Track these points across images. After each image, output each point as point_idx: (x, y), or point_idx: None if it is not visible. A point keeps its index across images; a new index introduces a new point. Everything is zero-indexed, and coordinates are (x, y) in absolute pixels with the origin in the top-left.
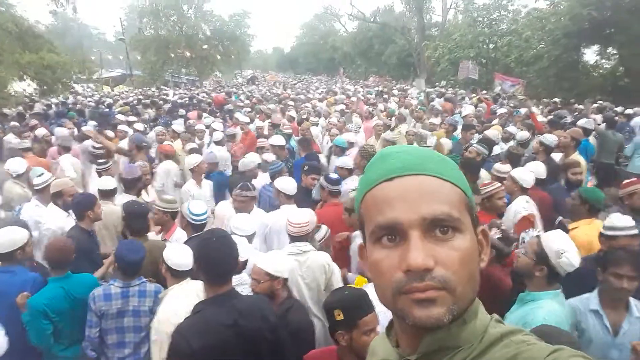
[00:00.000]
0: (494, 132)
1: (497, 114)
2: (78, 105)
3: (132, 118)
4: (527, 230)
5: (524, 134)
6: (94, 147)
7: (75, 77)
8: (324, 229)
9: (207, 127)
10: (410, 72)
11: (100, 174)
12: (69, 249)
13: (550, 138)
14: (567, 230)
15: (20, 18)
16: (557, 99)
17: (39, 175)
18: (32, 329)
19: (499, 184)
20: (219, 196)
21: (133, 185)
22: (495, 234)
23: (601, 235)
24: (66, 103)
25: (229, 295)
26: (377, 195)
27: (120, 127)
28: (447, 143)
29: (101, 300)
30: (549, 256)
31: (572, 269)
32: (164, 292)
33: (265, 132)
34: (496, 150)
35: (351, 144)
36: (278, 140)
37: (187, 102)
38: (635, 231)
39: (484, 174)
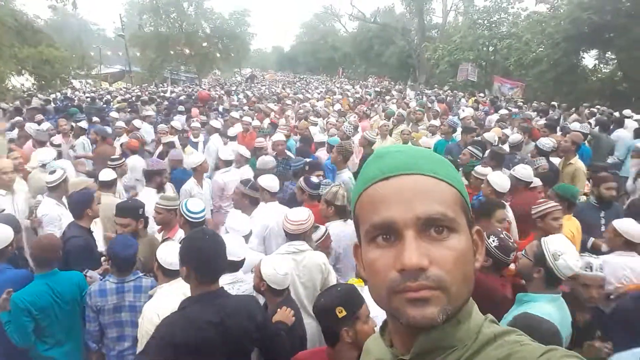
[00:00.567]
0: (492, 134)
1: (498, 117)
2: (76, 101)
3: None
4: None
5: (516, 137)
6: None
7: (73, 72)
8: (322, 229)
9: (204, 125)
10: (409, 74)
11: (115, 170)
12: (55, 247)
13: (545, 142)
14: (600, 253)
15: (19, 12)
16: (554, 103)
17: (52, 172)
18: (12, 326)
19: (554, 203)
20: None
21: (152, 178)
22: (493, 241)
23: None
24: (70, 98)
25: (217, 294)
26: (372, 194)
27: (135, 122)
28: (425, 143)
29: (97, 296)
30: (546, 258)
31: (570, 272)
32: (153, 290)
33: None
34: None
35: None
36: (279, 136)
37: (186, 99)
38: None
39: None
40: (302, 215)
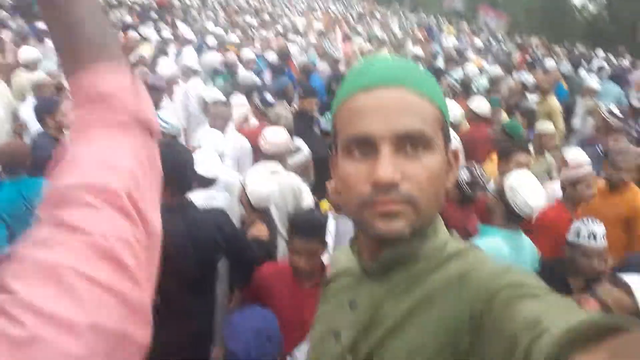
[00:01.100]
0: (473, 68)
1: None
2: None
3: None
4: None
5: (496, 70)
6: None
7: None
8: (304, 154)
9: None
10: None
11: None
12: (24, 152)
13: (527, 77)
14: None
15: None
16: (536, 40)
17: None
18: None
19: (588, 168)
20: None
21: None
22: (465, 176)
23: None
24: None
25: (184, 205)
26: (351, 106)
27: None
28: None
29: None
30: (505, 192)
31: (529, 209)
32: None
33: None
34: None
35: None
36: (249, 54)
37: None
38: None
39: None
40: (281, 136)
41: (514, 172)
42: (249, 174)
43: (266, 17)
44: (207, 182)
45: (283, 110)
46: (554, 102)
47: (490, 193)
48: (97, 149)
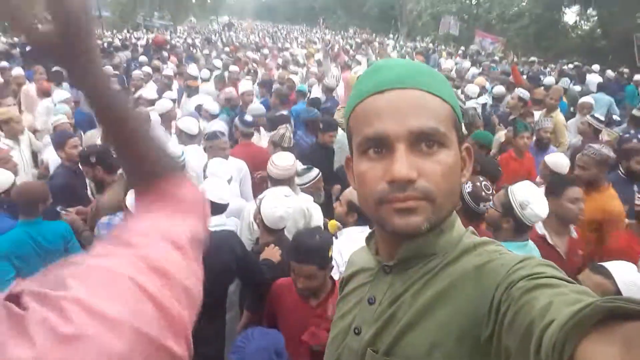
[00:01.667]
0: (474, 87)
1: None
2: None
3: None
4: None
5: (499, 88)
6: None
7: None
8: (315, 171)
9: (177, 75)
10: (391, 26)
11: None
12: (40, 192)
13: (526, 93)
14: None
15: None
16: (534, 58)
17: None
18: None
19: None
20: None
21: None
22: (467, 187)
23: None
24: None
25: None
26: (366, 107)
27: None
28: None
29: (105, 228)
30: (514, 207)
31: (538, 220)
32: None
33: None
34: (470, 104)
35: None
36: (247, 86)
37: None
38: None
39: None
40: (288, 160)
41: (517, 186)
42: (264, 198)
43: (266, 51)
44: (218, 209)
45: (286, 131)
46: (560, 117)
47: (494, 209)
48: (163, 221)
